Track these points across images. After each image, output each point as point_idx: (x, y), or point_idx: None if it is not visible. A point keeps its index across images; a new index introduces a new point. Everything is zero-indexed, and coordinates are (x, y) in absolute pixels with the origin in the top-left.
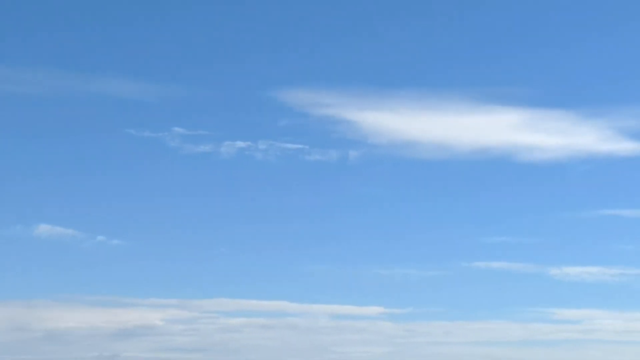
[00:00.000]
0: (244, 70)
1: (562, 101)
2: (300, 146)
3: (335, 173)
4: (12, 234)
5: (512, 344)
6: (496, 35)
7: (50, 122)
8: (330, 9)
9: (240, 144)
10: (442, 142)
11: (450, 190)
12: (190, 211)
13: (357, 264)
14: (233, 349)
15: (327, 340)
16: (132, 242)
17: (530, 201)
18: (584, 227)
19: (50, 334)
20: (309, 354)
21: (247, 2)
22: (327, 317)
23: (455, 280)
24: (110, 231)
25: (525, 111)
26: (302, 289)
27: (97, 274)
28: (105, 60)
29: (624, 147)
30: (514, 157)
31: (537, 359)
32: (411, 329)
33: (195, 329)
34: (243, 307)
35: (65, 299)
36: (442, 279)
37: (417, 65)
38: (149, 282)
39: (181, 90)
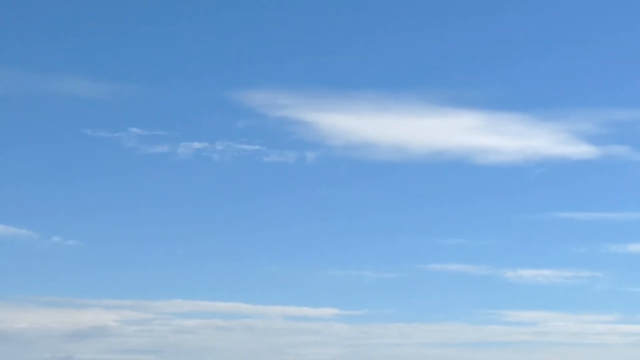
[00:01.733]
0: (202, 71)
1: (518, 104)
2: (257, 147)
3: (292, 174)
4: None
5: (467, 346)
6: (453, 38)
7: (4, 121)
8: (287, 11)
9: (197, 145)
10: (398, 144)
11: (407, 192)
12: (146, 212)
13: (312, 265)
14: (188, 351)
15: (281, 342)
16: (87, 243)
17: (485, 204)
18: (538, 229)
19: (2, 335)
20: (263, 356)
21: (204, 3)
22: (282, 319)
23: (411, 282)
24: (65, 231)
25: (481, 114)
26: (257, 290)
27: (52, 274)
28: (60, 59)
29: (579, 150)
30: (470, 160)
31: None
32: (366, 330)
33: (150, 330)
34: (198, 308)
35: (19, 299)
36: (397, 281)
37: (374, 67)
38: (103, 282)
39: (138, 90)
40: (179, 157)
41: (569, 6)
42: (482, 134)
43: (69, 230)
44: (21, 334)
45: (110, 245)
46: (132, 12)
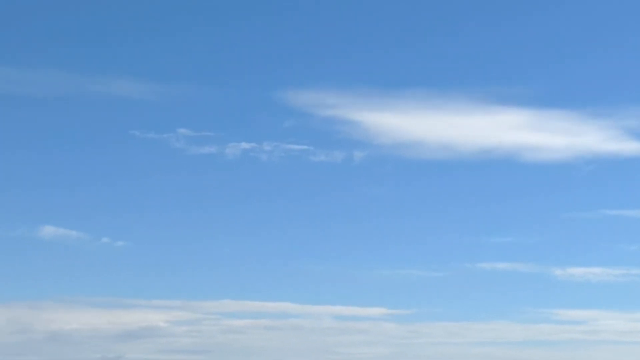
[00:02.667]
0: (249, 71)
1: (566, 101)
2: (304, 147)
3: (340, 174)
4: (16, 235)
5: (516, 345)
6: (500, 35)
7: (53, 123)
8: (334, 10)
9: (245, 145)
10: (446, 142)
11: (454, 191)
12: (195, 212)
13: (360, 264)
14: (237, 350)
15: (330, 341)
16: (136, 244)
17: (534, 201)
18: (588, 227)
19: (53, 336)
20: (312, 355)
21: (251, 3)
22: (330, 318)
23: (459, 281)
24: (114, 233)
25: (529, 111)
26: (305, 290)
27: (101, 275)
28: (109, 60)
29: (628, 147)
30: (518, 158)
31: (541, 359)
32: (414, 329)
33: (199, 330)
34: (247, 308)
35: (69, 300)
36: (445, 280)
37: (421, 65)
38: (153, 283)
39: (186, 91)
40: (227, 158)
41: (617, 3)
42: (530, 131)
43: (119, 231)
44: (71, 335)
45: (159, 245)
46: (179, 14)
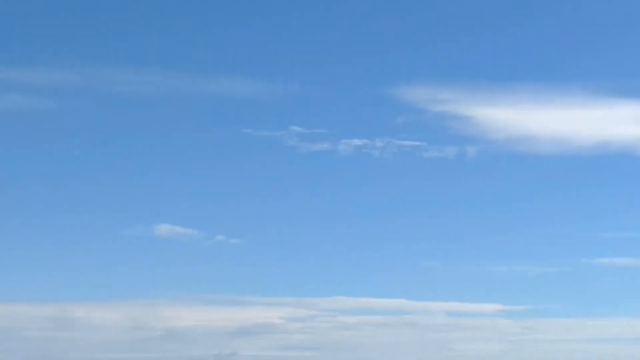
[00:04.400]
0: (360, 68)
1: None
2: (417, 143)
3: (453, 169)
4: (133, 233)
5: (636, 342)
6: (615, 27)
7: (168, 122)
8: (445, 5)
9: (357, 142)
10: (560, 136)
11: (570, 185)
12: (308, 210)
13: (475, 260)
14: (350, 347)
15: (444, 338)
16: (250, 241)
17: None
18: None
19: (170, 333)
20: (426, 352)
21: (361, 0)
22: (444, 315)
23: (576, 277)
24: (229, 230)
25: None
26: (419, 287)
27: (216, 272)
28: (221, 60)
29: None
30: (635, 151)
31: None
32: (529, 326)
33: (313, 327)
34: (360, 305)
35: (185, 297)
36: (561, 276)
37: (534, 59)
38: (267, 280)
39: (298, 89)
40: (339, 155)
41: None
42: None
43: (233, 228)
44: (188, 332)
45: (273, 243)
46: (290, 13)
